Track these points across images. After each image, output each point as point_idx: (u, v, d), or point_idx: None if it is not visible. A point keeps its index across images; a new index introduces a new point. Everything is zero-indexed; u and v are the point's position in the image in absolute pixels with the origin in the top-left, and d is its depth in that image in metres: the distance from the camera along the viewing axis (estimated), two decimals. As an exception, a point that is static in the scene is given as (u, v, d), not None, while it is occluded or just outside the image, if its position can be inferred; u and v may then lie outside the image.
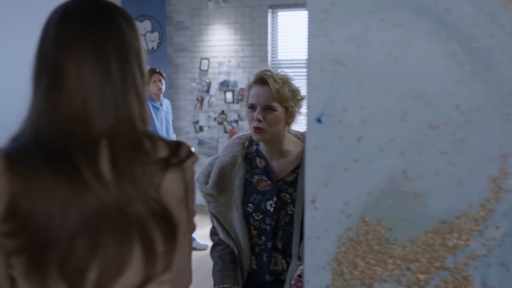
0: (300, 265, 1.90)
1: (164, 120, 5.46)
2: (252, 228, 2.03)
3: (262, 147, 2.04)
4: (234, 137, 2.14)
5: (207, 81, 7.90)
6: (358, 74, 1.03)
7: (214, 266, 2.08)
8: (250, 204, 2.02)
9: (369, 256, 1.06)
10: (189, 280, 1.13)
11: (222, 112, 7.88)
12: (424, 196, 1.02)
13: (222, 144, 7.90)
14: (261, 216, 2.00)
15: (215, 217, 2.07)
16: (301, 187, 1.92)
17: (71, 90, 1.00)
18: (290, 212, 1.96)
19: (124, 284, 0.99)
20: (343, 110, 1.04)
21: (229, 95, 7.81)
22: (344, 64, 1.04)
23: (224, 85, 7.83)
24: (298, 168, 2.00)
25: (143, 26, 7.92)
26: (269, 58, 7.70)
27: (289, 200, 1.98)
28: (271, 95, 1.92)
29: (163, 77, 5.49)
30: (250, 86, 2.02)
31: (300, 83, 7.08)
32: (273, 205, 1.98)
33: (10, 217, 0.93)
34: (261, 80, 1.96)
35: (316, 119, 1.06)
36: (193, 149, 1.15)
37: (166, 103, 5.61)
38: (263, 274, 2.05)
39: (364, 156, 1.04)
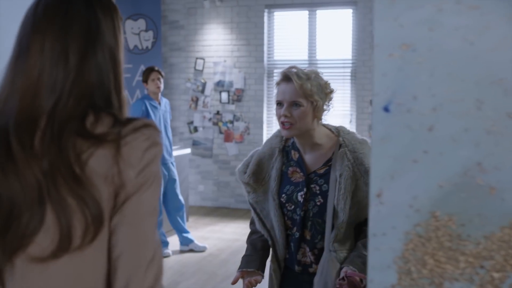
0: (343, 267, 1.93)
1: (162, 120, 5.37)
2: (286, 218, 2.09)
3: (296, 140, 2.09)
4: (276, 131, 2.20)
5: (202, 81, 7.82)
6: (430, 60, 0.97)
7: (245, 251, 2.19)
8: (283, 195, 2.08)
9: (439, 254, 1.00)
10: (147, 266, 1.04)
11: (217, 113, 7.81)
12: (500, 190, 0.96)
13: (216, 145, 7.84)
14: (293, 207, 2.07)
15: (253, 207, 2.15)
16: (332, 179, 1.98)
17: (30, 64, 1.05)
18: (318, 203, 2.02)
19: (35, 251, 1.02)
20: (412, 99, 0.98)
21: (224, 96, 7.74)
22: (415, 49, 0.98)
23: (220, 85, 7.76)
24: (330, 161, 2.04)
25: (137, 25, 7.83)
26: (265, 58, 7.64)
27: (318, 192, 2.04)
28: (296, 91, 1.96)
29: (162, 76, 5.40)
30: (277, 84, 2.07)
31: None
32: (303, 196, 2.04)
33: None
34: (286, 77, 2.01)
35: (383, 108, 1.00)
36: (154, 131, 1.09)
37: (164, 102, 5.53)
38: (293, 264, 2.10)
39: (435, 147, 0.98)
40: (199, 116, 7.88)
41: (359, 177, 1.96)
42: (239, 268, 2.10)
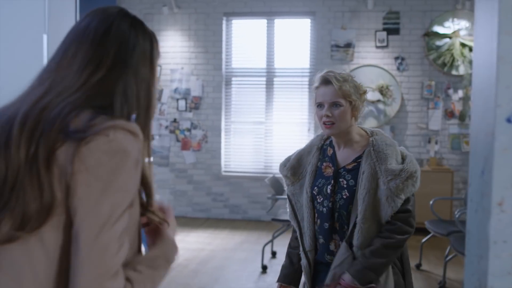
0: (342, 273, 2.09)
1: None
2: (315, 210, 2.25)
3: (333, 138, 2.26)
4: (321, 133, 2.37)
5: (159, 88, 7.71)
6: (554, 73, 1.00)
7: (284, 261, 2.42)
8: (315, 187, 2.24)
9: (560, 260, 1.03)
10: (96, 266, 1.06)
11: (174, 120, 7.71)
12: None
13: (173, 154, 7.73)
14: (321, 199, 2.21)
15: (289, 199, 2.33)
16: (358, 176, 2.14)
17: (61, 66, 1.19)
18: (344, 197, 2.16)
19: None
20: (536, 110, 1.01)
21: (181, 103, 7.66)
22: (539, 62, 1.01)
23: (177, 93, 7.68)
24: (359, 158, 2.19)
25: (92, 30, 7.63)
26: (223, 66, 7.63)
27: (345, 186, 2.18)
28: (336, 93, 2.14)
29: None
30: (316, 87, 2.25)
31: (252, 90, 6.99)
32: (331, 188, 2.19)
33: None
34: (325, 80, 2.19)
35: (506, 119, 1.03)
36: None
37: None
38: (323, 256, 2.24)
39: (558, 157, 1.01)
40: (156, 124, 7.75)
41: (380, 176, 2.09)
42: (278, 279, 2.36)
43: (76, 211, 1.07)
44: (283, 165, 2.35)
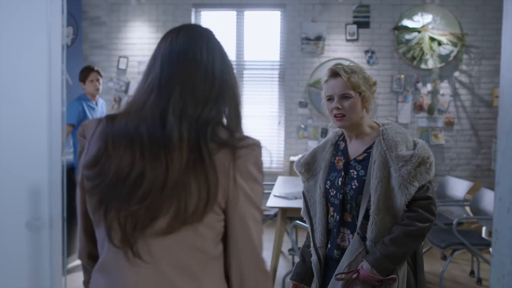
0: (363, 260, 2.07)
1: (100, 121, 5.08)
2: (329, 205, 2.24)
3: (344, 130, 2.26)
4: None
5: (126, 80, 7.52)
6: None
7: (299, 256, 2.43)
8: (328, 181, 2.24)
9: None
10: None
11: (142, 113, 7.53)
12: None
13: (141, 147, 7.56)
14: (334, 192, 2.21)
15: (304, 195, 2.33)
16: (369, 166, 2.11)
17: (167, 93, 1.36)
18: (354, 187, 2.15)
19: (154, 229, 1.26)
20: None
21: (149, 96, 7.48)
22: None
23: (144, 85, 7.49)
24: (369, 149, 2.17)
25: (55, 20, 7.37)
26: (192, 58, 7.48)
27: (355, 176, 2.17)
28: (345, 85, 2.14)
29: (101, 76, 5.12)
30: (325, 81, 2.22)
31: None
32: (341, 180, 2.19)
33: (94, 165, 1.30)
34: (334, 73, 2.18)
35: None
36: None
37: (101, 103, 5.24)
38: (333, 251, 2.23)
39: None
40: (122, 117, 7.56)
41: (391, 164, 2.06)
42: (291, 277, 2.40)
43: (238, 207, 1.31)
44: (298, 161, 2.36)
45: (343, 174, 2.19)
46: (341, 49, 7.19)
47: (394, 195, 2.05)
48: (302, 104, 7.27)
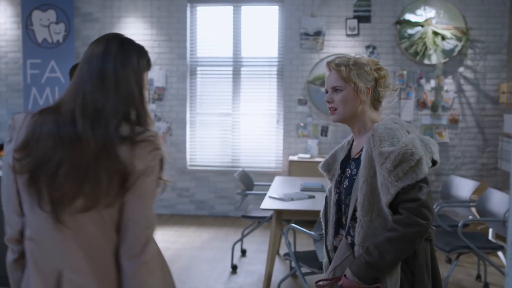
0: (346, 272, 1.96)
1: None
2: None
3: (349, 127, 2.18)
4: None
5: (120, 78, 7.30)
6: None
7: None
8: (335, 181, 2.20)
9: None
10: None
11: (137, 112, 7.31)
12: None
13: (136, 147, 7.35)
14: (337, 191, 2.17)
15: (326, 196, 2.28)
16: (362, 164, 1.99)
17: (79, 86, 1.63)
18: (345, 187, 2.09)
19: (75, 206, 1.51)
20: None
21: (144, 94, 7.27)
22: None
23: (139, 83, 7.28)
24: None
25: (46, 16, 7.16)
26: (188, 55, 7.27)
27: (348, 175, 2.10)
28: (335, 77, 2.08)
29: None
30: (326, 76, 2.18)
31: (218, 81, 6.70)
32: (338, 178, 2.15)
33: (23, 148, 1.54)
34: (327, 66, 2.13)
35: None
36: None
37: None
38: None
39: None
40: (116, 116, 7.34)
41: (376, 162, 1.93)
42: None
43: (134, 187, 1.52)
44: (321, 162, 2.32)
45: (340, 173, 2.15)
46: (342, 45, 6.95)
47: (376, 195, 1.93)
48: (301, 102, 7.04)
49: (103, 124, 1.53)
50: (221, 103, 7.32)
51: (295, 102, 7.06)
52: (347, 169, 2.11)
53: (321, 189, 4.66)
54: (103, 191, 1.50)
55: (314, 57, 7.00)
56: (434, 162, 2.00)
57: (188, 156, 7.38)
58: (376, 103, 2.10)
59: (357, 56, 2.11)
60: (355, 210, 1.99)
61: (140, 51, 1.66)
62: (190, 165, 7.41)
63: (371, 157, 1.94)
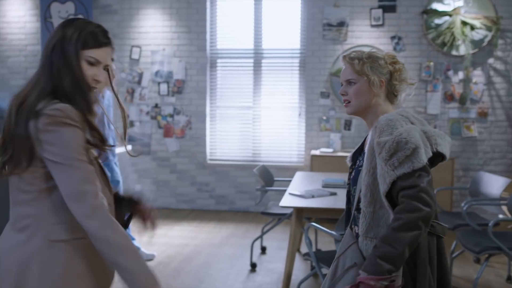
0: (358, 274, 1.90)
1: (104, 115, 4.73)
2: None
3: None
4: None
5: (139, 71, 7.19)
6: None
7: None
8: (348, 173, 2.23)
9: None
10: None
11: (156, 106, 7.20)
12: None
13: (155, 141, 7.25)
14: (348, 182, 2.21)
15: None
16: (366, 155, 2.02)
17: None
18: (351, 178, 2.15)
19: (9, 171, 1.76)
20: None
21: (163, 87, 7.15)
22: None
23: (158, 76, 7.16)
24: None
25: (65, 8, 7.08)
26: (208, 47, 7.12)
27: (356, 166, 2.14)
28: (349, 71, 2.11)
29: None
30: None
31: (239, 73, 6.50)
32: (349, 170, 2.19)
33: None
34: (343, 60, 2.16)
35: None
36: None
37: (108, 95, 4.90)
38: None
39: None
40: (136, 109, 7.25)
41: (375, 152, 1.95)
42: None
43: (44, 157, 1.68)
44: (350, 154, 2.29)
45: (351, 164, 2.19)
46: (366, 35, 6.73)
47: (376, 185, 1.96)
48: (324, 95, 6.84)
49: (27, 100, 1.70)
50: (242, 96, 7.16)
51: (318, 95, 6.87)
52: (357, 161, 2.15)
53: (343, 186, 4.48)
54: (20, 161, 1.70)
55: (337, 49, 6.79)
56: (441, 156, 2.00)
57: (208, 150, 7.25)
58: (391, 96, 2.11)
59: (373, 50, 2.15)
60: (359, 201, 2.02)
61: (78, 27, 1.75)
62: (210, 159, 7.28)
63: (372, 148, 1.97)
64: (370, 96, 2.07)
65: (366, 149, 2.03)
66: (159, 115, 7.21)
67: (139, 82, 7.20)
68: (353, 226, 2.09)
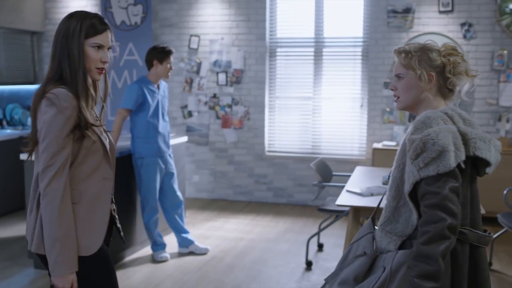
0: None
1: (160, 106, 4.67)
2: None
3: None
4: None
5: (197, 61, 7.11)
6: None
7: None
8: None
9: None
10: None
11: (214, 96, 7.11)
12: None
13: (213, 131, 7.15)
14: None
15: None
16: (399, 149, 1.99)
17: None
18: (390, 172, 2.08)
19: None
20: None
21: (222, 77, 7.04)
22: None
23: (216, 66, 7.05)
24: None
25: (125, -2, 7.07)
26: (267, 36, 6.94)
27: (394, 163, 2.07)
28: (398, 65, 2.06)
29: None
30: None
31: (299, 62, 6.25)
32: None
33: None
34: (394, 53, 2.10)
35: None
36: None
37: (163, 86, 4.82)
38: None
39: None
40: (194, 99, 7.18)
41: (407, 149, 1.90)
42: None
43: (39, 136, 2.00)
44: None
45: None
46: (433, 22, 6.34)
47: (402, 183, 1.93)
48: (388, 85, 6.53)
49: (40, 87, 2.03)
50: (302, 86, 6.95)
51: (381, 85, 6.56)
52: None
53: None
54: (32, 138, 2.03)
55: (402, 37, 6.45)
56: (483, 161, 1.92)
57: (266, 142, 7.10)
58: (443, 90, 2.02)
59: (428, 42, 2.05)
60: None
61: (79, 18, 2.02)
62: (269, 151, 7.12)
63: (405, 143, 1.93)
64: (419, 91, 2.01)
65: (401, 143, 1.98)
66: (217, 106, 7.11)
67: (197, 72, 7.12)
68: (375, 217, 2.14)
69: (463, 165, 1.83)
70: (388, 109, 6.55)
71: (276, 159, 7.02)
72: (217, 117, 7.13)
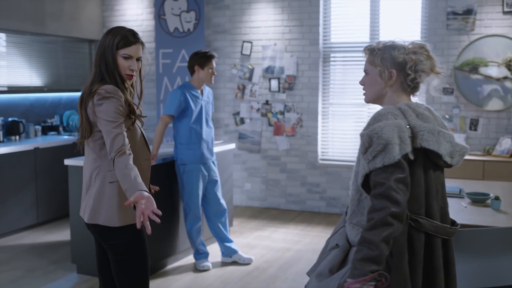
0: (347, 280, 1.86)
1: (204, 112, 4.59)
2: None
3: None
4: None
5: (250, 67, 7.02)
6: None
7: None
8: None
9: None
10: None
11: (266, 102, 6.99)
12: None
13: (265, 138, 7.03)
14: None
15: None
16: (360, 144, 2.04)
17: None
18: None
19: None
20: None
21: (274, 83, 6.91)
22: None
23: (269, 72, 6.94)
24: None
25: (178, 5, 7.08)
26: (321, 41, 6.76)
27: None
28: (366, 62, 2.16)
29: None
30: None
31: (354, 68, 5.96)
32: None
33: None
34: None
35: None
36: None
37: (207, 92, 4.74)
38: None
39: None
40: (246, 106, 7.09)
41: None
42: None
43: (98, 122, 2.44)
44: None
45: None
46: (496, 24, 5.97)
47: (357, 177, 2.05)
48: (447, 91, 6.20)
49: (87, 87, 2.50)
50: (356, 93, 6.72)
51: (440, 91, 6.24)
52: None
53: (459, 195, 3.92)
54: (82, 131, 2.50)
55: (463, 40, 6.11)
56: (434, 153, 1.99)
57: (319, 150, 6.90)
58: (404, 86, 2.09)
59: (395, 40, 2.13)
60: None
61: (114, 33, 2.50)
62: (322, 159, 6.92)
63: None
64: (381, 87, 2.11)
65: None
66: (270, 112, 6.99)
67: (250, 78, 7.03)
68: (347, 211, 2.20)
69: (411, 156, 1.93)
70: (447, 116, 6.21)
71: (329, 168, 6.81)
72: (269, 124, 7.01)
